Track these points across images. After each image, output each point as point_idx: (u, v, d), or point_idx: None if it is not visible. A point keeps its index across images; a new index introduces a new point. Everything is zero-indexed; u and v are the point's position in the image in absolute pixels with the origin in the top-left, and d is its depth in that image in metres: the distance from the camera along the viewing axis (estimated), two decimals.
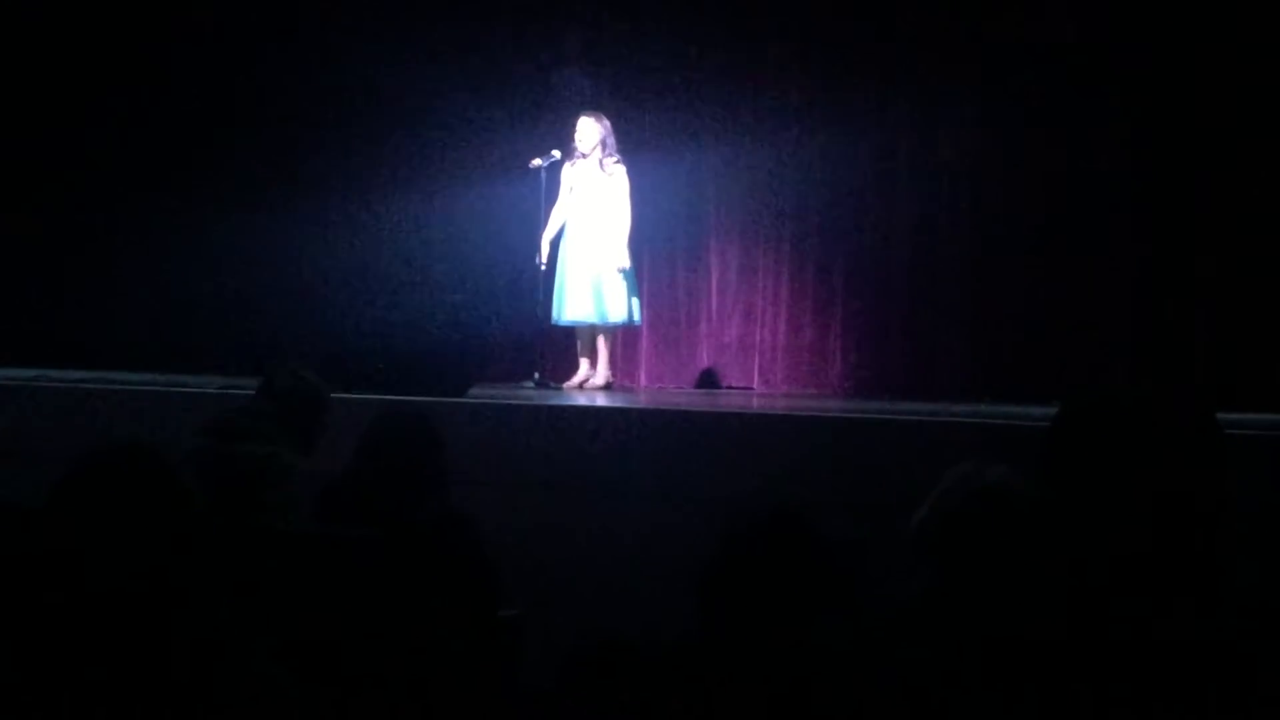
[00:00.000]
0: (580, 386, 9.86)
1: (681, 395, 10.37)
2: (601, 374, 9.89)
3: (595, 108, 10.06)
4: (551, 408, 8.45)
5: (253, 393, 5.79)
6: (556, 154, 9.88)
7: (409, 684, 4.01)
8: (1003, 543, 2.55)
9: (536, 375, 9.86)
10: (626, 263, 9.76)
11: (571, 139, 9.88)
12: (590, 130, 9.82)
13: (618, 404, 8.99)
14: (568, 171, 9.87)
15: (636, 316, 10.00)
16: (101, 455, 2.61)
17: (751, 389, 10.64)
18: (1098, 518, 2.07)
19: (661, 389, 10.71)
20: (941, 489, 2.80)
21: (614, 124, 9.93)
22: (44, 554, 2.55)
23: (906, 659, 2.47)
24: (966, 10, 9.96)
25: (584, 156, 9.82)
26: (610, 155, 9.80)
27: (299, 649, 4.08)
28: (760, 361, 10.69)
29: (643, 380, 10.85)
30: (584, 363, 9.97)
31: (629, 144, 10.12)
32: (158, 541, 2.54)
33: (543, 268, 9.83)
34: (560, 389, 9.78)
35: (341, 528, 4.72)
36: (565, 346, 10.19)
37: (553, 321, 9.90)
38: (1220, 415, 2.28)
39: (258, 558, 4.39)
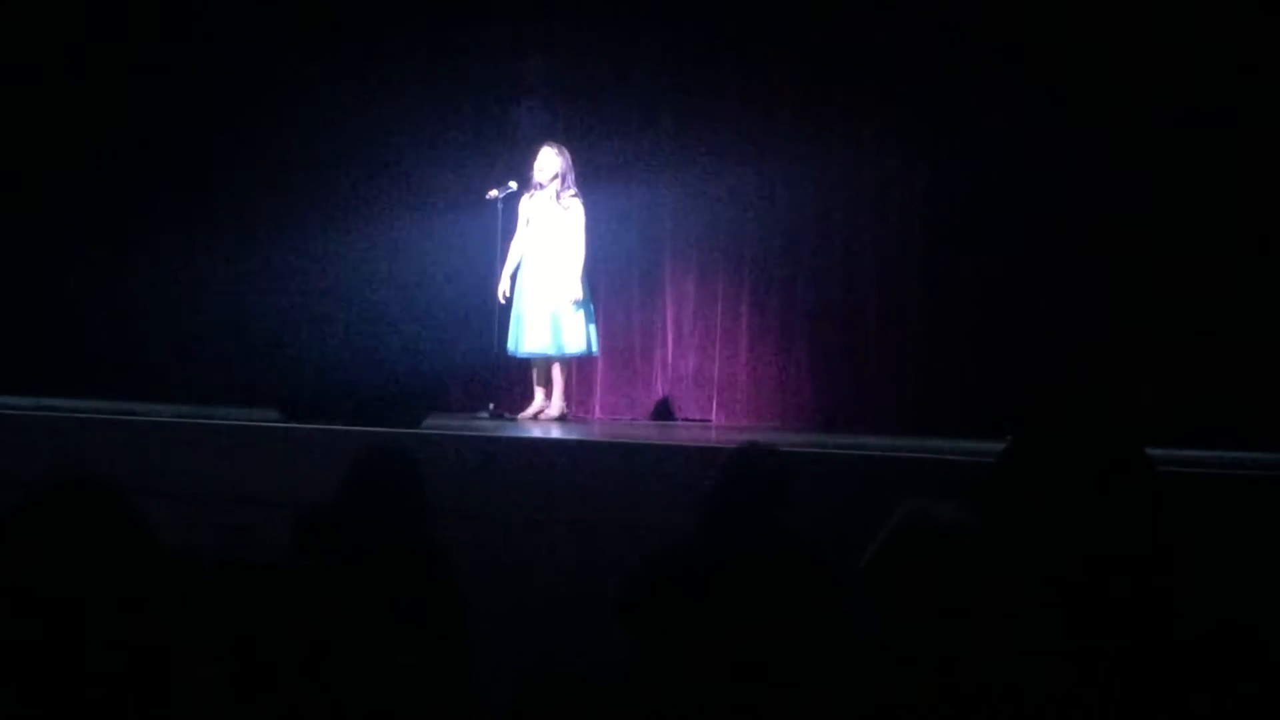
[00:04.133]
0: (535, 418, 9.85)
1: (636, 427, 10.37)
2: (556, 405, 9.89)
3: (556, 140, 10.08)
4: (506, 439, 8.44)
5: None
6: (513, 185, 9.90)
7: (378, 712, 4.00)
8: (951, 579, 2.57)
9: (491, 406, 9.86)
10: (580, 295, 9.77)
11: (530, 170, 9.89)
12: (551, 161, 9.83)
13: (572, 435, 8.99)
14: (525, 203, 9.88)
15: (594, 347, 10.01)
16: (52, 489, 2.60)
17: (709, 421, 10.64)
18: (1040, 557, 2.08)
19: (616, 421, 10.70)
20: (893, 525, 2.81)
21: (573, 155, 9.95)
22: None
23: (857, 694, 2.47)
24: (929, 46, 10.00)
25: (541, 188, 9.83)
26: (568, 189, 9.81)
27: (270, 679, 4.07)
28: (719, 394, 10.69)
29: (597, 412, 10.85)
30: (539, 393, 9.96)
31: (587, 175, 10.14)
32: (108, 576, 2.53)
33: (503, 302, 9.83)
34: (515, 420, 9.78)
35: (317, 560, 4.69)
36: (519, 377, 10.18)
37: (509, 353, 9.90)
38: (1171, 452, 2.31)
39: (232, 592, 4.37)
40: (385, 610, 4.49)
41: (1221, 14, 9.22)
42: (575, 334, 9.81)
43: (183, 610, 2.89)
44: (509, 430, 9.17)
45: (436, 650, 4.69)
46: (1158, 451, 2.31)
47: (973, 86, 9.82)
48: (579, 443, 8.37)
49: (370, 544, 4.69)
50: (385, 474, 4.93)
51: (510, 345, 9.86)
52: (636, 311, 10.90)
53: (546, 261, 9.77)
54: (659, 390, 10.86)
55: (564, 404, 9.93)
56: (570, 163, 9.88)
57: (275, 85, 10.92)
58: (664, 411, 10.78)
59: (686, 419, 10.71)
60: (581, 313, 9.82)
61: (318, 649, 4.29)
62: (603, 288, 10.53)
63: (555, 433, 9.23)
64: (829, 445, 8.25)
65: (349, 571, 4.50)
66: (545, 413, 9.87)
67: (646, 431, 9.99)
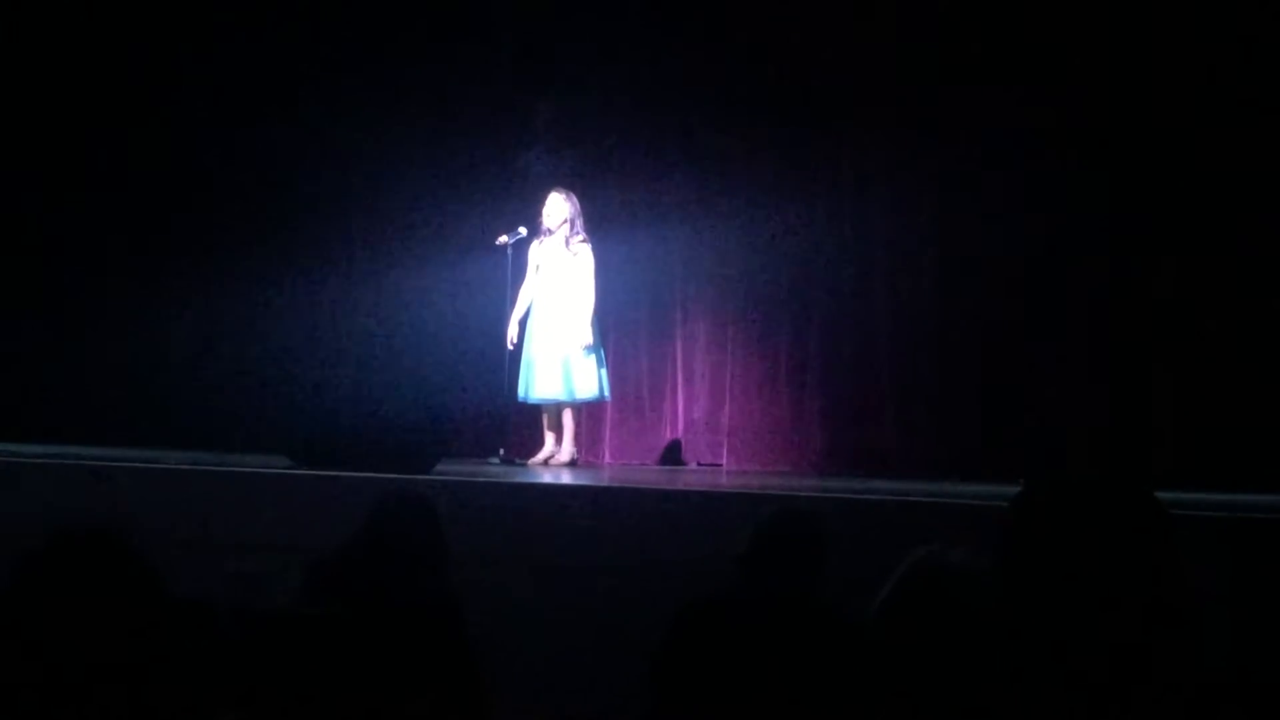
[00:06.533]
0: (545, 463, 9.85)
1: (647, 472, 10.36)
2: (566, 450, 9.89)
3: (564, 185, 10.10)
4: (516, 484, 8.44)
5: None
6: (523, 231, 9.92)
7: None
8: (963, 625, 2.56)
9: (501, 451, 9.85)
10: (590, 339, 9.79)
11: (539, 216, 9.91)
12: (559, 207, 9.86)
13: (582, 480, 8.98)
14: (535, 250, 9.90)
15: (605, 391, 10.01)
16: (64, 537, 2.60)
17: (720, 466, 10.63)
18: (1052, 602, 2.08)
19: (627, 465, 10.70)
20: (903, 570, 2.80)
21: (581, 200, 9.97)
22: (3, 636, 2.53)
23: None
24: (938, 92, 10.02)
25: (550, 233, 9.85)
26: (577, 234, 9.83)
27: None
28: (730, 438, 10.68)
29: (607, 456, 10.84)
30: (549, 438, 9.96)
31: (596, 220, 10.16)
32: (121, 625, 2.53)
33: (511, 348, 9.84)
34: (525, 465, 9.78)
35: (330, 607, 4.68)
36: (529, 422, 10.19)
37: (520, 399, 9.90)
38: (1185, 496, 2.32)
39: (245, 640, 4.35)
40: (398, 658, 4.48)
41: (1231, 62, 9.27)
42: (586, 379, 9.82)
43: (196, 659, 2.89)
44: (519, 475, 9.16)
45: (450, 698, 4.68)
46: (1171, 496, 2.31)
47: (983, 130, 9.84)
48: (589, 488, 8.37)
49: (383, 591, 4.69)
50: (401, 520, 4.92)
51: (521, 392, 9.86)
52: (646, 356, 10.90)
53: (556, 307, 9.79)
54: (669, 435, 10.85)
55: (574, 449, 9.93)
56: (578, 208, 9.90)
57: (284, 133, 10.95)
58: (674, 456, 10.77)
59: (697, 464, 10.71)
60: (592, 358, 9.83)
61: (331, 697, 4.28)
62: (613, 332, 10.53)
63: (566, 478, 9.23)
64: (841, 490, 8.25)
65: (362, 619, 4.49)
66: (555, 458, 9.87)
67: (657, 476, 9.98)
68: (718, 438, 10.73)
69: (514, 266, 9.88)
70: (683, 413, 10.84)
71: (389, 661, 4.36)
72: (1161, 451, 9.23)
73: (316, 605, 4.76)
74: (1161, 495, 2.22)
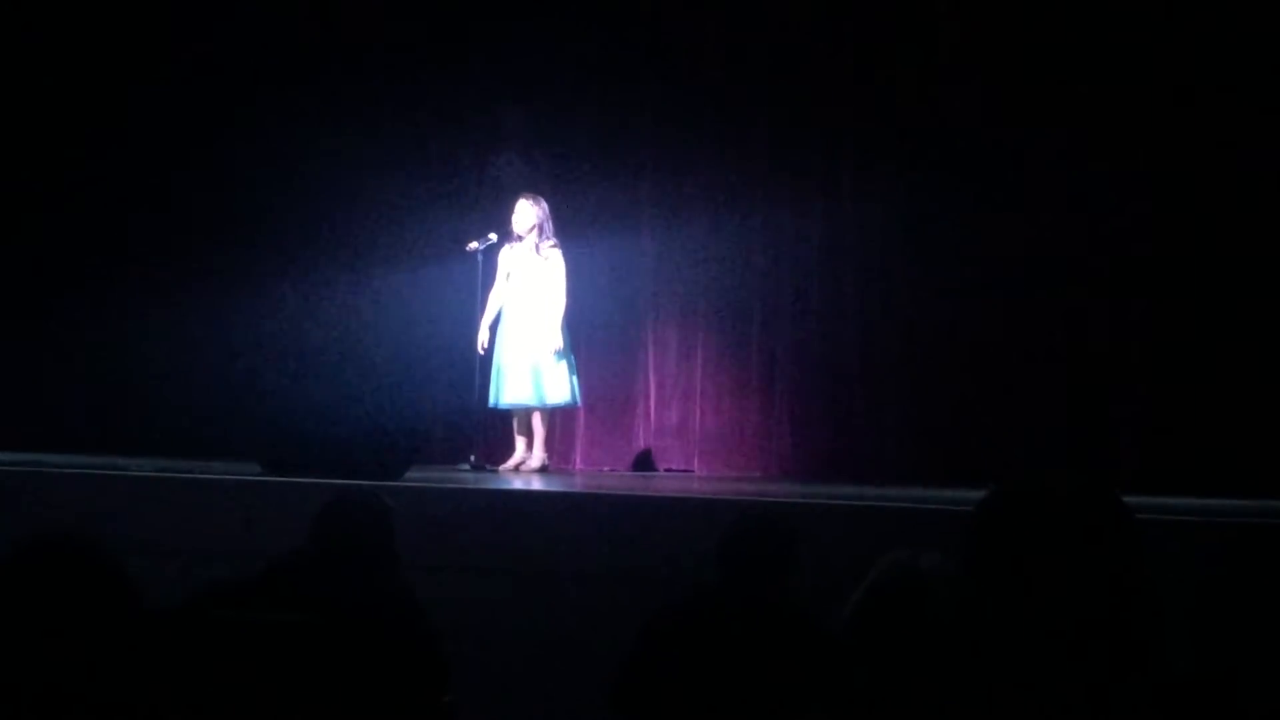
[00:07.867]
0: (516, 469, 9.84)
1: (619, 478, 10.36)
2: (537, 456, 9.88)
3: (533, 190, 10.10)
4: (487, 491, 8.43)
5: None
6: (493, 237, 9.92)
7: None
8: (933, 630, 2.57)
9: (472, 458, 9.85)
10: (560, 344, 9.78)
11: (509, 221, 9.91)
12: (528, 212, 9.85)
13: (554, 487, 8.98)
14: (505, 255, 9.90)
15: (577, 397, 10.01)
16: (34, 544, 2.59)
17: (691, 471, 10.64)
18: (1020, 605, 2.10)
19: (598, 472, 10.70)
20: (874, 575, 2.81)
21: (551, 206, 9.97)
22: None
23: None
24: (912, 96, 10.05)
25: (520, 239, 9.85)
26: (547, 239, 9.83)
27: None
28: (701, 444, 10.69)
29: (579, 463, 10.84)
30: (520, 444, 9.96)
31: (568, 225, 10.16)
32: (91, 632, 2.52)
33: (481, 354, 9.84)
34: (496, 471, 9.77)
35: (285, 612, 4.66)
36: (500, 429, 10.18)
37: (491, 405, 9.90)
38: (1151, 500, 2.33)
39: (199, 645, 4.34)
40: (362, 665, 4.47)
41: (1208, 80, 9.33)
42: (557, 384, 9.81)
43: (164, 665, 2.89)
44: (490, 482, 9.16)
45: (414, 707, 4.67)
46: (1137, 499, 2.33)
47: (953, 138, 9.87)
48: (560, 494, 8.37)
49: (333, 596, 4.67)
50: (349, 525, 4.90)
51: (492, 398, 9.85)
52: (618, 362, 10.90)
53: (526, 313, 9.79)
54: (641, 440, 10.86)
55: (545, 455, 9.93)
56: (547, 213, 9.90)
57: (253, 142, 10.94)
58: (646, 462, 10.77)
59: (669, 469, 10.71)
60: (563, 363, 9.83)
61: (298, 705, 4.27)
62: (584, 338, 10.53)
63: (536, 484, 9.22)
64: (812, 496, 8.26)
65: (326, 626, 4.48)
66: (526, 464, 9.86)
67: (629, 482, 9.98)
68: (689, 443, 10.74)
69: (484, 272, 9.88)
70: (654, 418, 10.84)
71: (340, 668, 4.35)
72: (1129, 455, 9.27)
73: (271, 611, 4.75)
74: (1127, 499, 2.24)
